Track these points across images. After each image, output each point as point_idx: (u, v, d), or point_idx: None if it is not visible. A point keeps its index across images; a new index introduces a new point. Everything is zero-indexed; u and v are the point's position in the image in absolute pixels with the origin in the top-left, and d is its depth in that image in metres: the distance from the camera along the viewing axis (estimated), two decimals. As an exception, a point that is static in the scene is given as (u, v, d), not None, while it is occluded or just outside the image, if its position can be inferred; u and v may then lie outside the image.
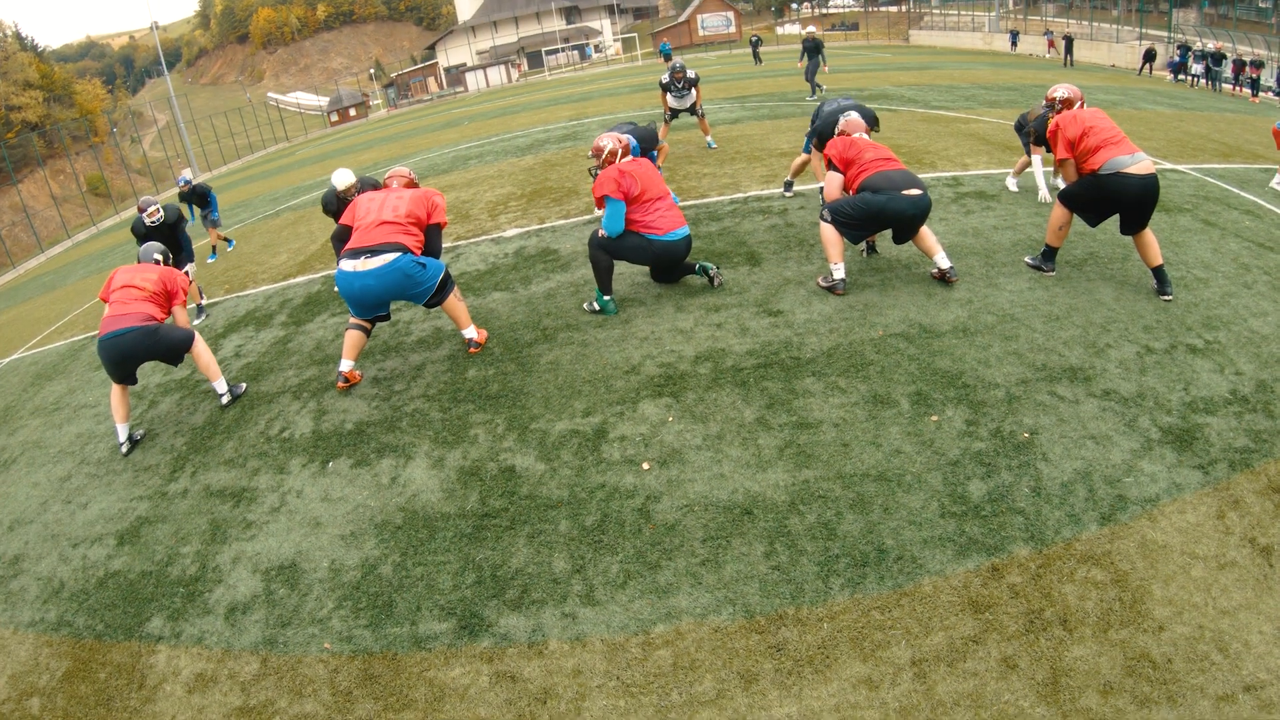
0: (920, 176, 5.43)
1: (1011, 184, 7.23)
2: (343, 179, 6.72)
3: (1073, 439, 3.51)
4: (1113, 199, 4.64)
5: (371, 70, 77.61)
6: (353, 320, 4.97)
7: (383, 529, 3.70)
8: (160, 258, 5.64)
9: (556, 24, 62.28)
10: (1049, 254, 5.14)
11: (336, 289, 5.42)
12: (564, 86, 33.81)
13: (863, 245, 5.81)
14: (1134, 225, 4.67)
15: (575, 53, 60.03)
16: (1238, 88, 21.35)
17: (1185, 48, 23.88)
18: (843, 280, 5.13)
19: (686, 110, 10.58)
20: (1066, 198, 4.90)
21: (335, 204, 6.88)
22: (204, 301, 8.09)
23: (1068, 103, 5.15)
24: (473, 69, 58.45)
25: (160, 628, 3.44)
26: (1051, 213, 5.07)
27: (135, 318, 4.94)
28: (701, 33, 58.12)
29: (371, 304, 4.80)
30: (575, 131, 15.14)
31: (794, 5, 65.16)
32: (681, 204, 7.85)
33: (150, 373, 6.30)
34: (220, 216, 11.45)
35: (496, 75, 56.66)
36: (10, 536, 4.47)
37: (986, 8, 41.03)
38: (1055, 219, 5.00)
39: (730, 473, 3.60)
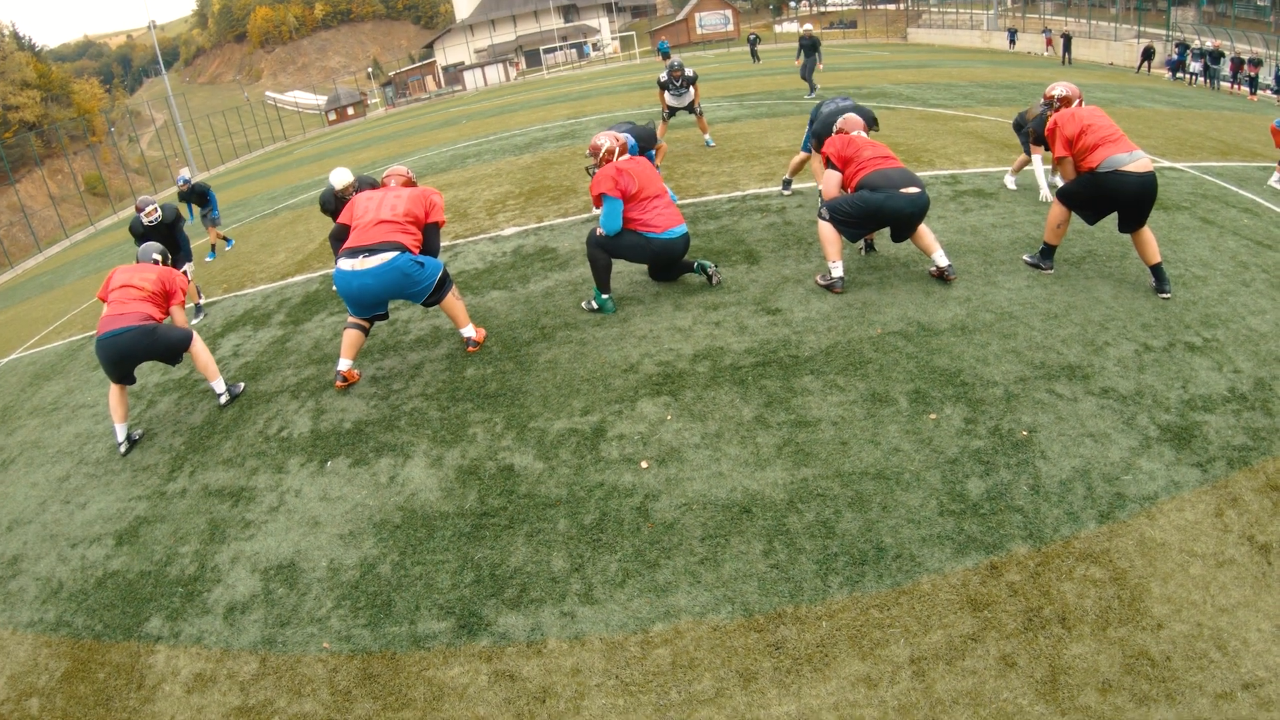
0: (918, 174, 5.43)
1: (1010, 182, 7.23)
2: (340, 178, 6.71)
3: (1071, 437, 3.51)
4: (1111, 197, 4.64)
5: (369, 69, 77.49)
6: (351, 319, 4.97)
7: (381, 528, 3.69)
8: (159, 257, 5.63)
9: (554, 22, 62.20)
10: (1047, 252, 5.14)
11: (335, 288, 5.41)
12: (562, 85, 33.78)
13: (861, 243, 5.81)
14: (1132, 223, 4.67)
15: (573, 51, 59.98)
16: (1236, 86, 21.36)
17: (1183, 46, 23.89)
18: (841, 278, 5.13)
19: (685, 108, 10.57)
20: (1064, 196, 4.90)
21: (333, 203, 6.86)
22: (202, 301, 8.08)
23: (1066, 101, 5.16)
24: (471, 68, 58.39)
25: (159, 628, 3.44)
26: (1050, 211, 5.07)
27: (133, 317, 4.94)
28: (699, 31, 58.11)
29: (370, 303, 4.80)
30: (573, 130, 15.13)
31: (792, 3, 65.15)
32: (680, 202, 7.85)
33: (148, 372, 6.29)
34: (220, 215, 11.44)
35: (494, 74, 56.60)
36: (9, 537, 4.46)
37: (985, 6, 41.03)
38: (1053, 217, 5.00)
39: (729, 471, 3.60)
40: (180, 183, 11.08)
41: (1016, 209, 6.54)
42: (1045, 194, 6.71)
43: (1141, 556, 2.89)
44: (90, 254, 19.37)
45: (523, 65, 60.29)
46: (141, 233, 7.83)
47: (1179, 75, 23.40)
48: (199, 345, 5.24)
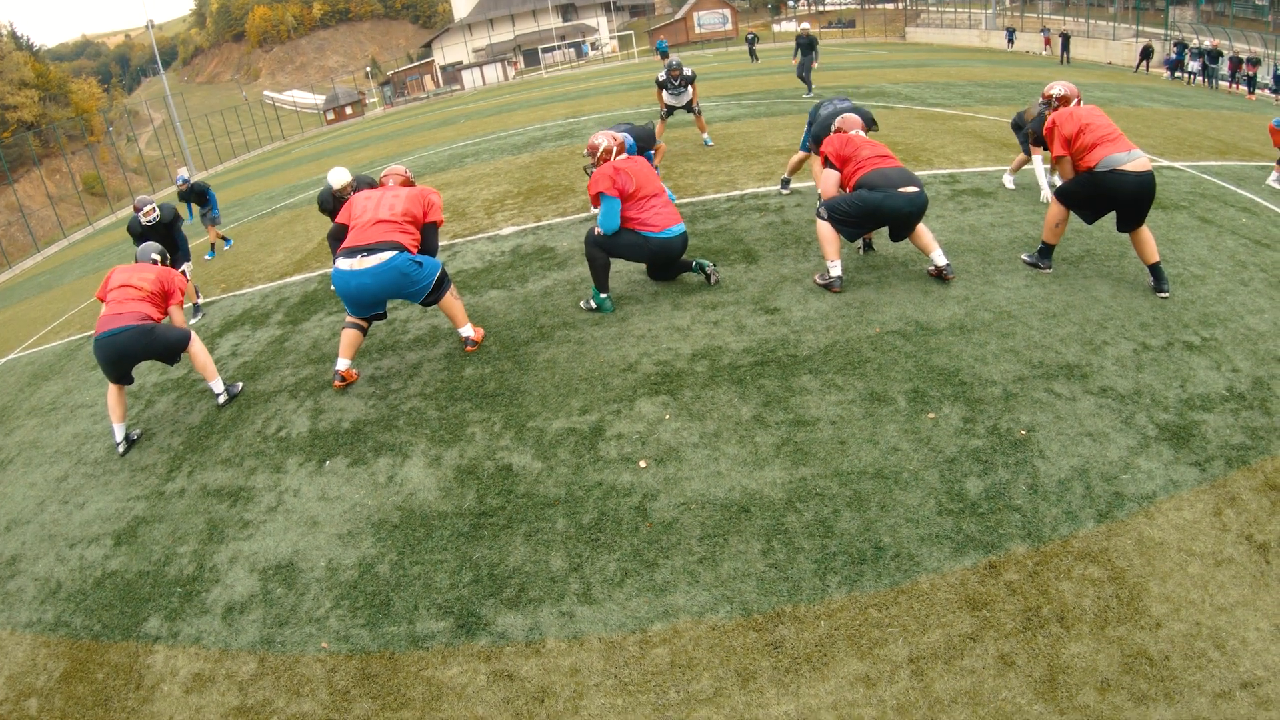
0: (917, 174, 5.43)
1: (1008, 181, 7.23)
2: (339, 177, 6.70)
3: (1070, 436, 3.52)
4: (1109, 196, 4.64)
5: (368, 68, 77.43)
6: (349, 319, 4.96)
7: (380, 528, 3.69)
8: (158, 257, 5.63)
9: (553, 22, 62.17)
10: (1046, 251, 5.14)
11: (333, 288, 5.41)
12: (560, 84, 33.77)
13: (859, 243, 5.81)
14: (1130, 222, 4.68)
15: (572, 50, 59.96)
16: (1234, 85, 21.38)
17: (1182, 45, 23.90)
18: (839, 277, 5.13)
19: (683, 107, 10.57)
20: (1063, 195, 4.91)
21: (331, 202, 6.86)
22: (200, 301, 8.07)
23: (1064, 100, 5.16)
24: (469, 67, 58.34)
25: (158, 628, 3.44)
26: (1048, 210, 5.07)
27: (131, 317, 4.93)
28: (698, 30, 58.08)
29: (368, 302, 4.80)
30: (572, 129, 15.12)
31: (790, 3, 65.14)
32: (678, 201, 7.85)
33: (146, 372, 6.29)
34: (220, 214, 11.45)
35: (493, 73, 56.55)
36: (7, 537, 4.46)
37: (983, 5, 41.03)
38: (1052, 216, 5.00)
39: (727, 470, 3.60)
40: (180, 182, 11.08)
41: (1015, 208, 6.54)
42: (1046, 194, 6.70)
43: (1140, 556, 2.89)
44: (88, 254, 19.35)
45: (521, 65, 60.25)
46: (139, 233, 7.83)
47: (1177, 74, 23.41)
48: (197, 345, 5.24)
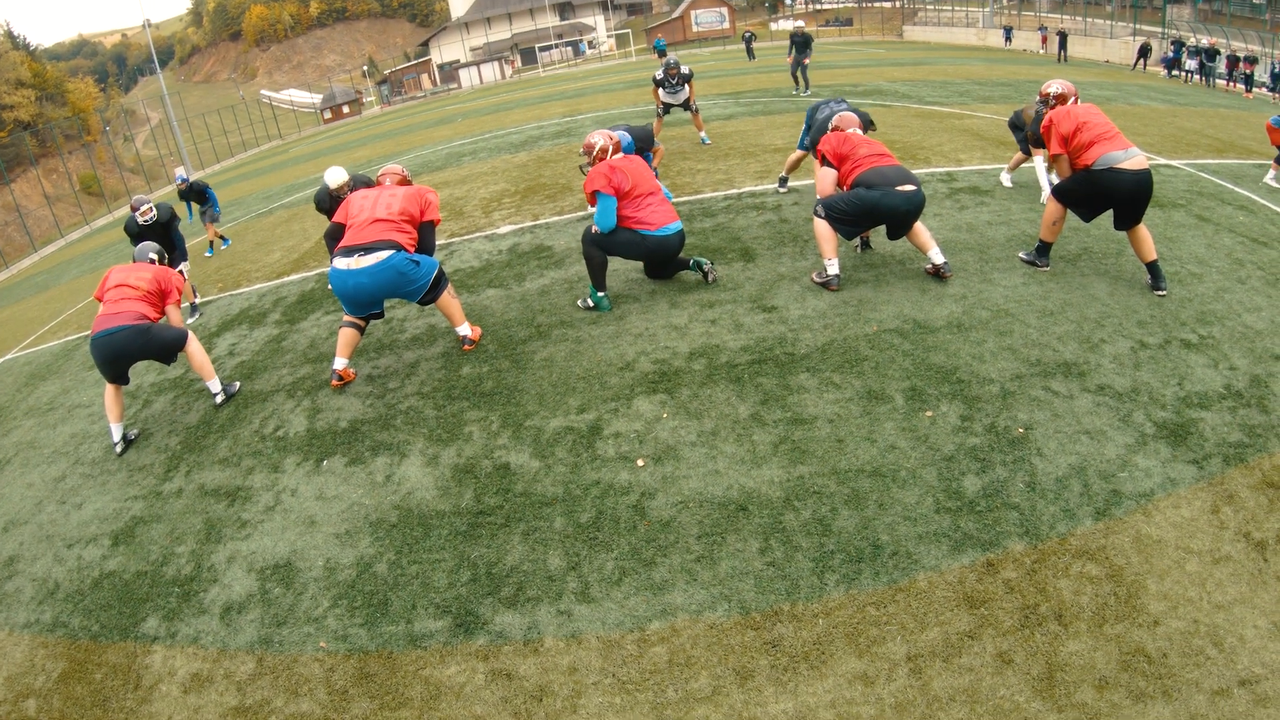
0: (914, 172, 5.43)
1: (1006, 180, 7.23)
2: (335, 177, 6.70)
3: (1067, 434, 3.52)
4: (1106, 194, 4.64)
5: (365, 67, 77.24)
6: (346, 318, 4.96)
7: (378, 527, 3.69)
8: (155, 257, 5.62)
9: (550, 20, 62.12)
10: (1043, 249, 5.15)
11: (330, 287, 5.40)
12: (558, 83, 33.73)
13: (856, 241, 5.81)
14: (1128, 220, 4.68)
15: (569, 49, 59.92)
16: (1231, 83, 21.41)
17: (1179, 43, 23.92)
18: (837, 276, 5.13)
19: (680, 106, 10.58)
20: (1060, 193, 4.91)
21: (328, 202, 6.85)
22: (198, 300, 8.06)
23: (1061, 98, 5.16)
24: (466, 65, 58.30)
25: (156, 628, 3.43)
26: (1046, 208, 5.07)
27: (127, 316, 4.92)
28: (695, 29, 58.01)
29: (365, 302, 4.79)
30: (569, 128, 15.11)
31: (787, 1, 65.08)
32: (675, 200, 7.84)
33: (144, 372, 6.28)
34: (220, 212, 11.46)
35: (490, 72, 56.50)
36: (5, 537, 4.45)
37: (980, 3, 41.04)
38: (1049, 214, 5.00)
39: (725, 469, 3.60)
40: (179, 181, 11.06)
41: (1012, 206, 6.54)
42: (1047, 195, 6.71)
43: (1138, 553, 2.89)
44: (86, 253, 19.32)
45: (518, 63, 60.17)
46: (137, 232, 7.81)
47: (1175, 73, 23.43)
48: (194, 345, 5.22)
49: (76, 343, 8.13)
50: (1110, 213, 4.79)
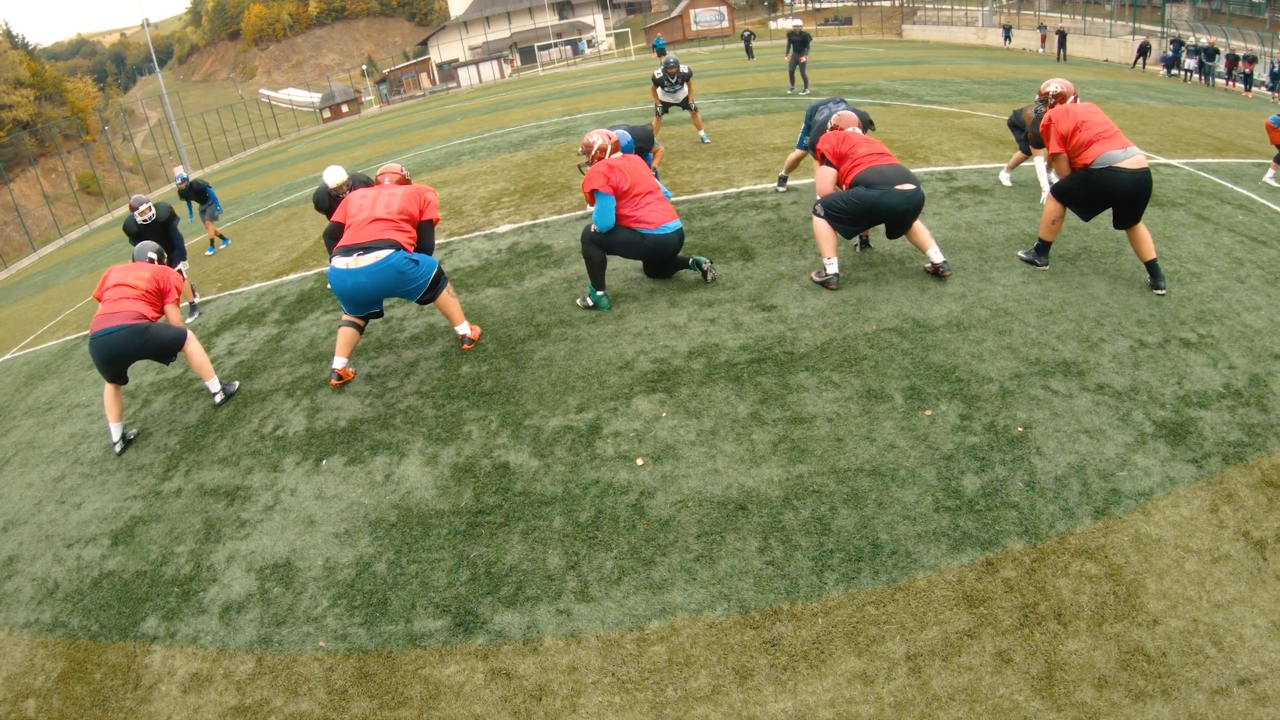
0: (913, 171, 5.43)
1: (1005, 179, 7.23)
2: (334, 176, 6.70)
3: (1066, 433, 3.52)
4: (1105, 193, 4.65)
5: (364, 66, 77.22)
6: (345, 317, 4.96)
7: (377, 526, 3.69)
8: (154, 256, 5.62)
9: (549, 19, 62.10)
10: (1042, 248, 5.15)
11: (329, 286, 5.40)
12: (557, 82, 33.72)
13: (856, 240, 5.81)
14: (1127, 219, 4.68)
15: (568, 48, 59.89)
16: (1231, 83, 21.41)
17: (1179, 42, 23.92)
18: (836, 275, 5.13)
19: (678, 105, 10.58)
20: (1059, 192, 4.91)
21: (327, 201, 6.85)
22: (197, 299, 8.05)
23: (1061, 97, 5.16)
24: (465, 65, 58.23)
25: (155, 628, 3.43)
26: (1045, 207, 5.07)
27: (126, 316, 4.92)
28: (694, 28, 57.99)
29: (364, 301, 4.79)
30: (568, 127, 15.10)
31: (786, 0, 65.04)
32: (674, 199, 7.84)
33: (143, 372, 6.27)
34: (221, 210, 11.46)
35: (489, 71, 56.45)
36: (4, 537, 4.45)
37: (980, 2, 41.05)
38: (1048, 213, 5.00)
39: (724, 468, 3.60)
40: (179, 180, 11.05)
41: (1012, 205, 6.54)
42: (1047, 194, 6.71)
43: (1137, 552, 2.89)
44: (85, 253, 19.30)
45: (517, 62, 60.15)
46: (135, 232, 7.80)
47: (1174, 72, 23.44)
48: (193, 344, 5.22)
49: (75, 342, 8.12)
50: (1109, 212, 4.80)
